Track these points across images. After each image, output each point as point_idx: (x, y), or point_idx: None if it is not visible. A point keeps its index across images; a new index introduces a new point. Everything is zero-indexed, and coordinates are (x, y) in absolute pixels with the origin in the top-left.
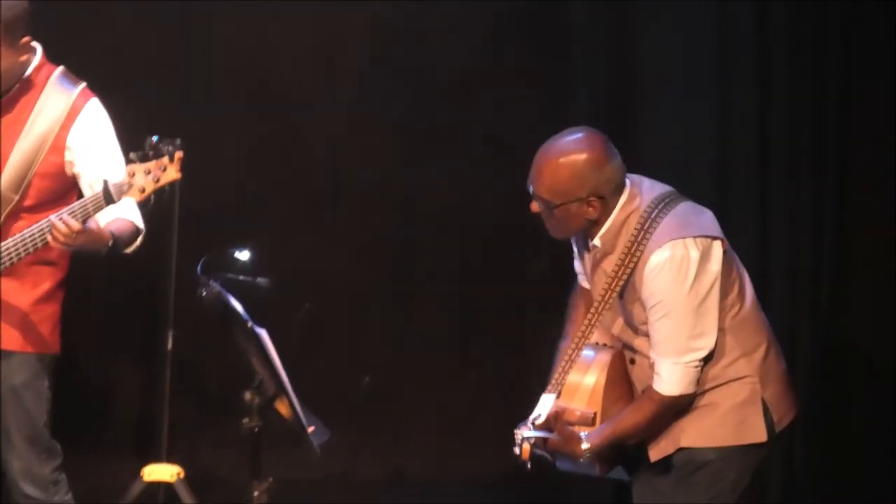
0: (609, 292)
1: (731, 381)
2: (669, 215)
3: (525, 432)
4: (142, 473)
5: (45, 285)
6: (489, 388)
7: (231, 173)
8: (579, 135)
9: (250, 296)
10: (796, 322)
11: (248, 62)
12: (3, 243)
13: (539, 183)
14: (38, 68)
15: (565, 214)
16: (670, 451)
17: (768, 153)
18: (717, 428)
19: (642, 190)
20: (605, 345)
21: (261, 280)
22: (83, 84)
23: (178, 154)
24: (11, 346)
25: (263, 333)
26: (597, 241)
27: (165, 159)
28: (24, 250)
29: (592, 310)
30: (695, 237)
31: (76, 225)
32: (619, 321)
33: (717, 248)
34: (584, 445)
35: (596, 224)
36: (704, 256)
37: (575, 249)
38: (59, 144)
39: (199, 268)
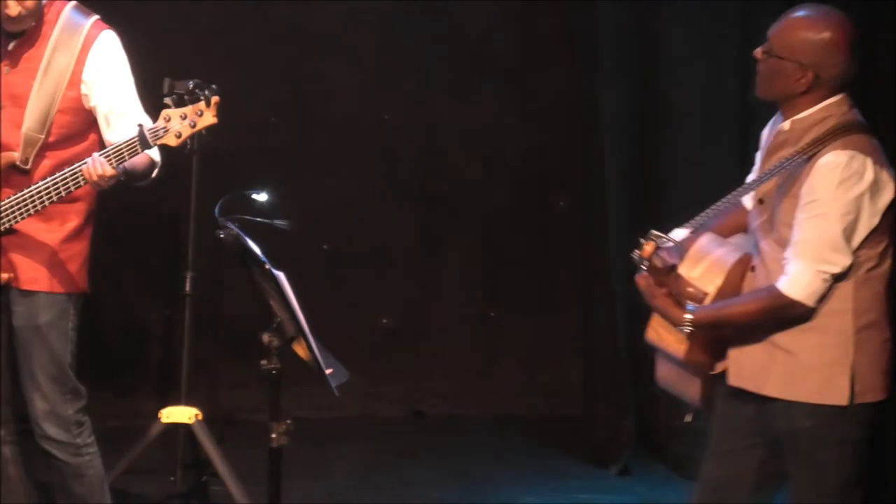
0: (773, 169)
1: (828, 333)
2: (865, 136)
3: (656, 232)
4: (160, 415)
5: (73, 223)
6: (509, 328)
7: (252, 115)
8: (837, 15)
9: (269, 238)
10: None
11: (277, 5)
12: (33, 187)
13: (778, 27)
14: (49, 3)
15: (778, 69)
16: (750, 388)
17: None
18: (800, 382)
19: (851, 108)
20: (738, 245)
21: (279, 222)
22: (95, 17)
23: (215, 99)
24: (39, 286)
25: (281, 276)
26: (787, 125)
27: (202, 104)
28: (56, 194)
29: (752, 180)
30: (877, 164)
31: (110, 170)
32: (764, 216)
33: (890, 191)
34: (688, 315)
35: (795, 107)
36: (876, 186)
37: (758, 161)
38: (75, 79)
39: (217, 210)
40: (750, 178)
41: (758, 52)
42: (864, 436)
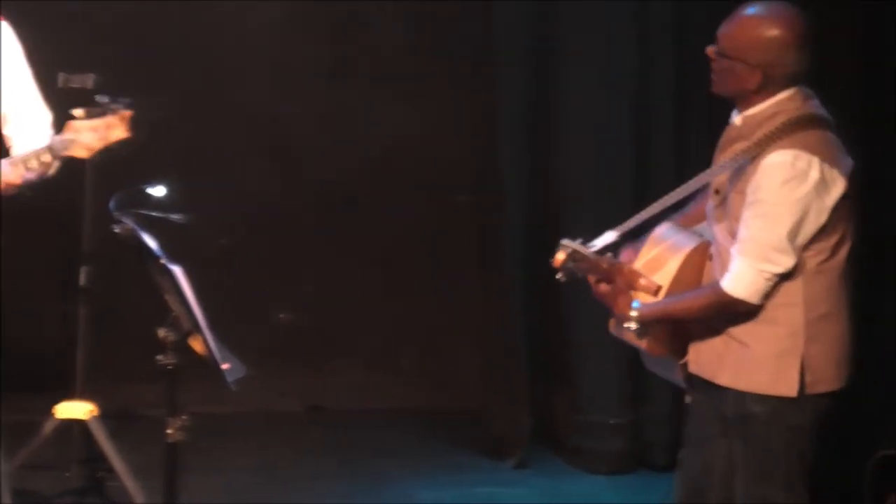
0: (721, 166)
1: (778, 325)
2: (815, 132)
3: (566, 241)
4: (53, 411)
5: None
6: (407, 322)
7: (144, 109)
8: (787, 12)
9: (165, 232)
10: None
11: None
12: None
13: (726, 27)
14: None
15: (728, 69)
16: (706, 376)
17: (684, 107)
18: (752, 373)
19: (805, 100)
20: (695, 232)
21: (176, 216)
22: None
23: (127, 113)
24: None
25: (177, 270)
26: (738, 120)
27: (113, 118)
28: None
29: (703, 176)
30: (824, 162)
31: (17, 180)
32: (719, 206)
33: (839, 187)
34: (633, 312)
35: (748, 100)
36: (822, 183)
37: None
38: None
39: (112, 204)
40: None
41: (709, 50)
42: (815, 424)
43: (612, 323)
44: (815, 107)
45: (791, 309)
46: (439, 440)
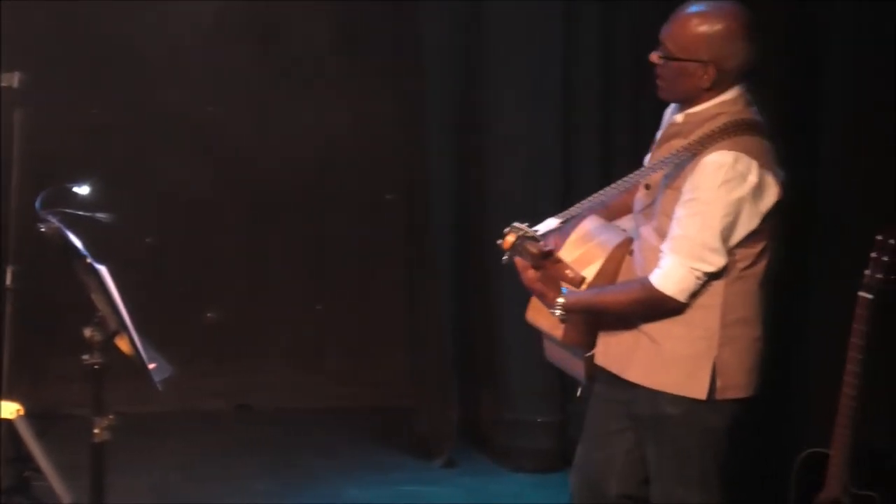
0: (659, 163)
1: (693, 326)
2: (755, 138)
3: (517, 223)
4: None
5: None
6: (335, 321)
7: (76, 107)
8: (730, 5)
9: (91, 231)
10: None
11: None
12: None
13: (669, 30)
14: None
15: (679, 72)
16: (614, 370)
17: (610, 109)
18: (662, 372)
19: (747, 104)
20: (619, 228)
21: (101, 215)
22: None
23: None
24: None
25: (103, 270)
26: (680, 117)
27: None
28: None
29: (640, 170)
30: (763, 168)
31: None
32: (648, 202)
33: (773, 194)
34: (560, 299)
35: (695, 100)
36: (759, 189)
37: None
38: None
39: (38, 203)
40: (646, 160)
41: (654, 56)
42: (728, 428)
43: (529, 312)
44: (755, 113)
45: (708, 311)
46: (367, 439)
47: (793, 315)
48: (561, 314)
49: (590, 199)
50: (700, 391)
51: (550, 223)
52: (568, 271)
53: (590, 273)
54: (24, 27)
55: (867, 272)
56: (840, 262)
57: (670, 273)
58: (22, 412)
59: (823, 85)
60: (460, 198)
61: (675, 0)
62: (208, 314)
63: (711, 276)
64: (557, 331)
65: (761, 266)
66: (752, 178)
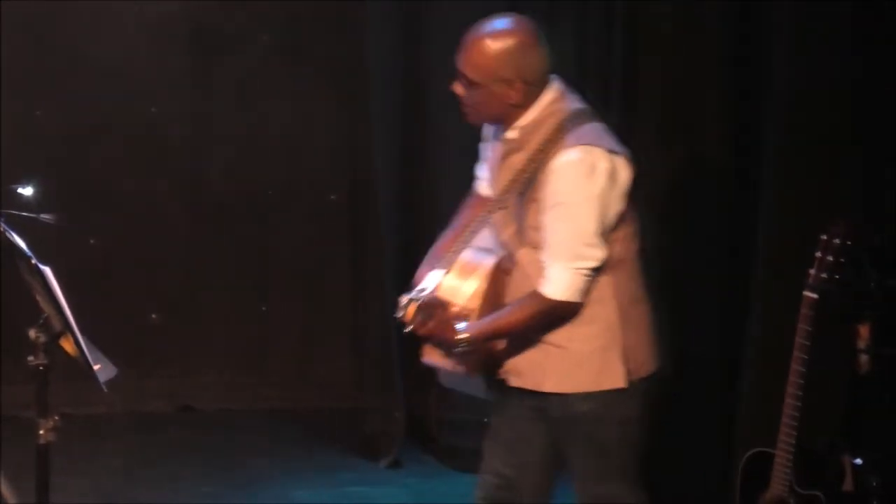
0: (512, 187)
1: (594, 321)
2: (589, 125)
3: (412, 294)
4: None
5: None
6: (280, 322)
7: (15, 111)
8: (510, 19)
9: (35, 232)
10: None
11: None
12: None
13: (465, 59)
14: None
15: (486, 96)
16: (530, 386)
17: None
18: (575, 373)
19: (567, 96)
20: (489, 250)
21: (45, 216)
22: None
23: None
24: None
25: (48, 271)
26: (514, 133)
27: None
28: None
29: (491, 204)
30: (608, 151)
31: None
32: (510, 226)
33: (625, 173)
34: (462, 335)
35: (515, 114)
36: (613, 172)
37: (485, 152)
38: None
39: None
40: (479, 169)
41: (458, 88)
42: (642, 413)
43: (425, 355)
44: (578, 101)
45: (604, 303)
46: (312, 440)
47: (738, 314)
48: (464, 349)
49: (462, 238)
50: (617, 380)
51: (437, 276)
52: (455, 308)
53: (474, 303)
54: None
55: (812, 272)
56: (785, 261)
57: (557, 279)
58: None
59: (767, 79)
60: (405, 198)
61: None
62: (152, 315)
63: (597, 269)
64: (460, 367)
65: (636, 243)
66: (604, 165)
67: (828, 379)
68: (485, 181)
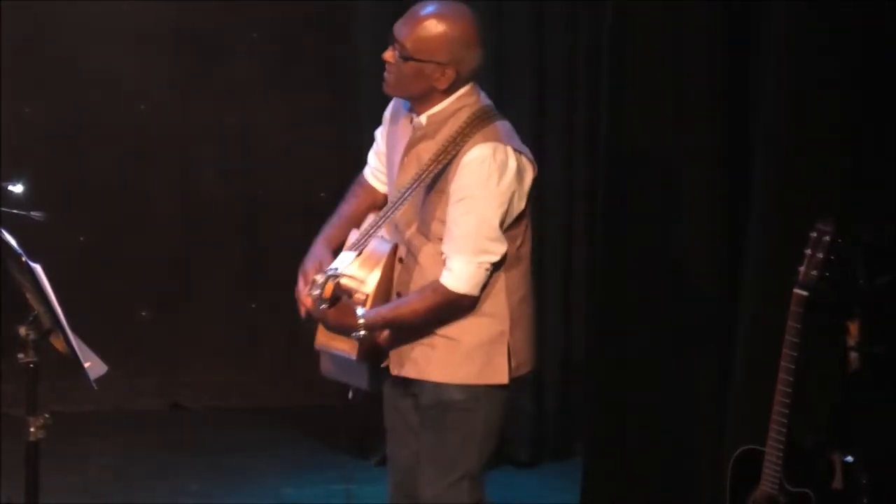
0: (419, 178)
1: (485, 315)
2: (499, 123)
3: (329, 271)
4: None
5: None
6: (269, 320)
7: (4, 107)
8: (464, 8)
9: (24, 229)
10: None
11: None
12: None
13: (408, 30)
14: None
15: (416, 72)
16: (412, 375)
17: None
18: (462, 365)
19: (478, 92)
20: (383, 238)
21: (35, 213)
22: None
23: None
24: None
25: (38, 268)
26: (423, 119)
27: None
28: None
29: (397, 194)
30: (517, 151)
31: None
32: (412, 215)
33: (530, 173)
34: (360, 320)
35: (428, 101)
36: (520, 171)
37: (380, 138)
38: None
39: None
40: (372, 157)
41: (388, 55)
42: (506, 411)
43: (318, 338)
44: (486, 98)
45: (496, 298)
46: (302, 438)
47: (727, 311)
48: (361, 335)
49: (376, 220)
50: (502, 376)
51: (347, 257)
52: (358, 295)
53: (370, 289)
54: None
55: (801, 269)
56: (774, 258)
57: (460, 272)
58: None
59: (757, 72)
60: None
61: None
62: (142, 313)
63: (496, 265)
64: (353, 352)
65: (528, 243)
66: (512, 164)
67: (818, 377)
68: (373, 168)
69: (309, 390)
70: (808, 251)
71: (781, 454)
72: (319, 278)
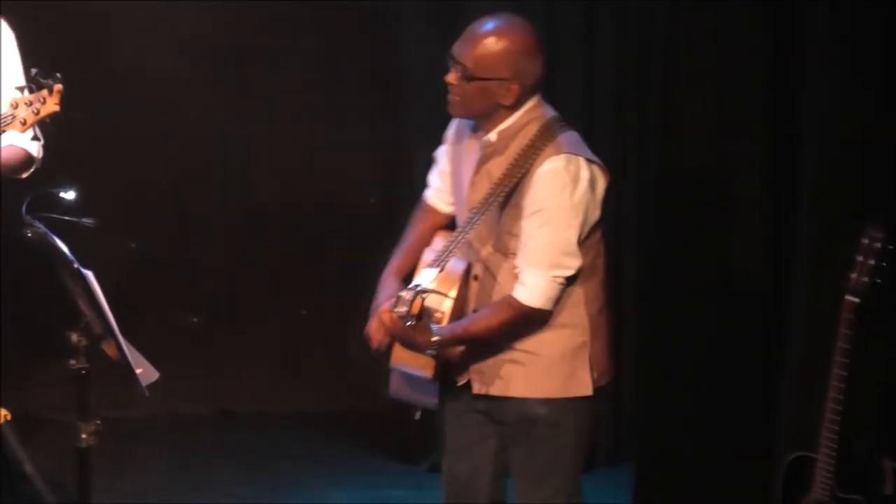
0: (493, 195)
1: (565, 327)
2: (568, 134)
3: (415, 287)
4: None
5: None
6: (317, 325)
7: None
8: (517, 20)
9: (76, 236)
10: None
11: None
12: None
13: (468, 49)
14: None
15: (480, 90)
16: (494, 392)
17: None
18: (545, 379)
19: (546, 105)
20: (457, 257)
21: (86, 220)
22: None
23: (58, 87)
24: None
25: (89, 274)
26: (493, 136)
27: (45, 91)
28: None
29: (469, 214)
30: (588, 161)
31: None
32: (487, 231)
33: (603, 182)
34: (435, 338)
35: (500, 115)
36: (593, 182)
37: (443, 158)
38: None
39: (24, 208)
40: (434, 178)
41: (451, 77)
42: (593, 422)
43: (393, 357)
44: (551, 110)
45: (575, 309)
46: (351, 443)
47: (778, 318)
48: (436, 352)
49: (454, 238)
50: (586, 388)
51: (430, 274)
52: (437, 314)
53: (446, 307)
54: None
55: (853, 275)
56: (826, 264)
57: (534, 286)
58: (9, 417)
59: (804, 81)
60: None
61: None
62: (192, 319)
63: (571, 279)
64: (428, 370)
65: (604, 253)
66: (585, 174)
67: (869, 382)
68: (436, 190)
69: (358, 395)
70: (860, 257)
71: (833, 460)
72: (406, 294)
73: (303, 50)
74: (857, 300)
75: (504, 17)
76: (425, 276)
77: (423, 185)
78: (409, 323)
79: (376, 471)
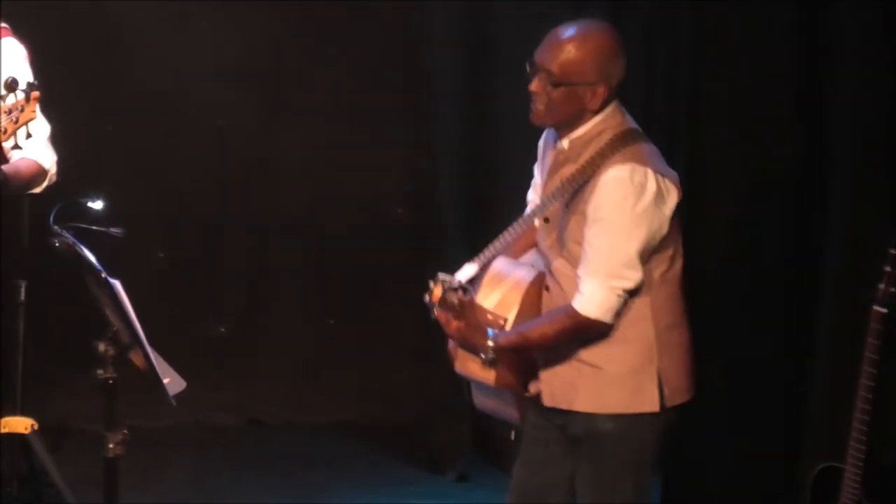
0: (557, 195)
1: (629, 342)
2: (643, 145)
3: (443, 275)
4: None
5: None
6: (345, 334)
7: (84, 124)
8: (599, 23)
9: (104, 245)
10: None
11: (99, 10)
12: None
13: (552, 55)
14: None
15: (567, 96)
16: (562, 406)
17: None
18: (610, 394)
19: (623, 114)
20: (528, 264)
21: (114, 230)
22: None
23: (35, 94)
24: None
25: (117, 284)
26: (565, 143)
27: (22, 99)
28: None
29: (538, 205)
30: (658, 173)
31: None
32: (552, 235)
33: (674, 197)
34: (489, 342)
35: (576, 125)
36: (660, 195)
37: (536, 172)
38: None
39: (51, 217)
40: (531, 193)
41: (535, 85)
42: (662, 439)
43: (457, 364)
44: (631, 121)
45: (640, 324)
46: (379, 454)
47: (806, 328)
48: (491, 357)
49: (499, 239)
50: (651, 404)
51: (469, 270)
52: (489, 315)
53: (511, 314)
54: (37, 40)
55: (881, 286)
56: (854, 274)
57: (592, 296)
58: (36, 427)
59: (835, 88)
60: (469, 213)
61: None
62: (220, 329)
63: (633, 292)
64: (489, 376)
65: (678, 267)
66: (651, 186)
67: None
68: (531, 203)
69: (386, 405)
70: (888, 268)
71: (861, 471)
72: (432, 282)
73: (330, 59)
74: (884, 310)
75: (584, 22)
76: (464, 271)
77: (449, 194)
78: (432, 311)
79: (404, 481)
